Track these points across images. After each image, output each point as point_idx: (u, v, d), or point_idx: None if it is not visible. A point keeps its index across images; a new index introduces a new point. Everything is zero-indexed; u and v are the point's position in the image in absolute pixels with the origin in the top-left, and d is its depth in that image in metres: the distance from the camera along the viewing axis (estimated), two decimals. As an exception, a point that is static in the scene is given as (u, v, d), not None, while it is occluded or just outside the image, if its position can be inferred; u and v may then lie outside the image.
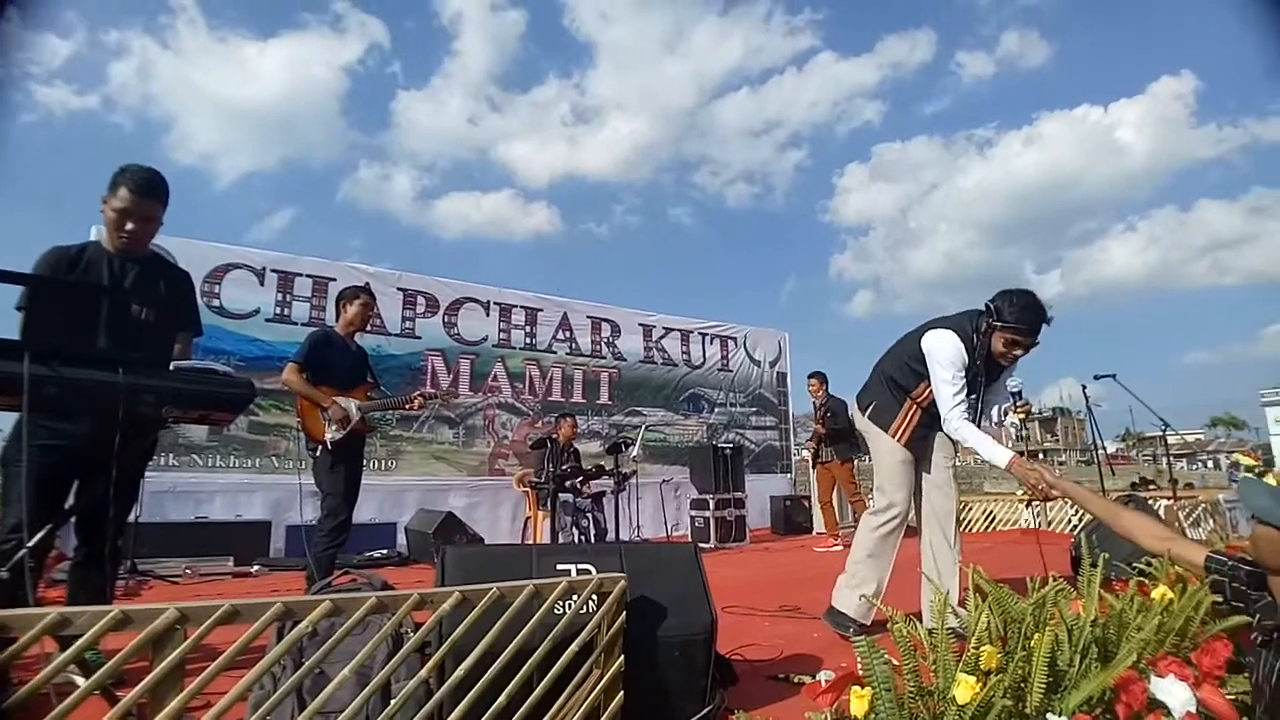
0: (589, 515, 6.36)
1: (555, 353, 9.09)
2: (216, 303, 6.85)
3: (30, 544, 1.78)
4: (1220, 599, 1.66)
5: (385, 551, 6.49)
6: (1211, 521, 6.12)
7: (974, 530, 8.65)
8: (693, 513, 7.96)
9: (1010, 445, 2.91)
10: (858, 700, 1.34)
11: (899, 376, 3.11)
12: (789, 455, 11.18)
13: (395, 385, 7.09)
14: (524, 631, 1.47)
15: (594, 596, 1.65)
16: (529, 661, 1.47)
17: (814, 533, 8.44)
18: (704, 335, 10.59)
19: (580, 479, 6.37)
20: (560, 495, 6.06)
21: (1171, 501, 6.46)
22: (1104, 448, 7.29)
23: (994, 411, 3.10)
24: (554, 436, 6.59)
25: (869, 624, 2.96)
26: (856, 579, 3.05)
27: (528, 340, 8.89)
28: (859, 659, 1.45)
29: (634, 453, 6.75)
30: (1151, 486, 11.76)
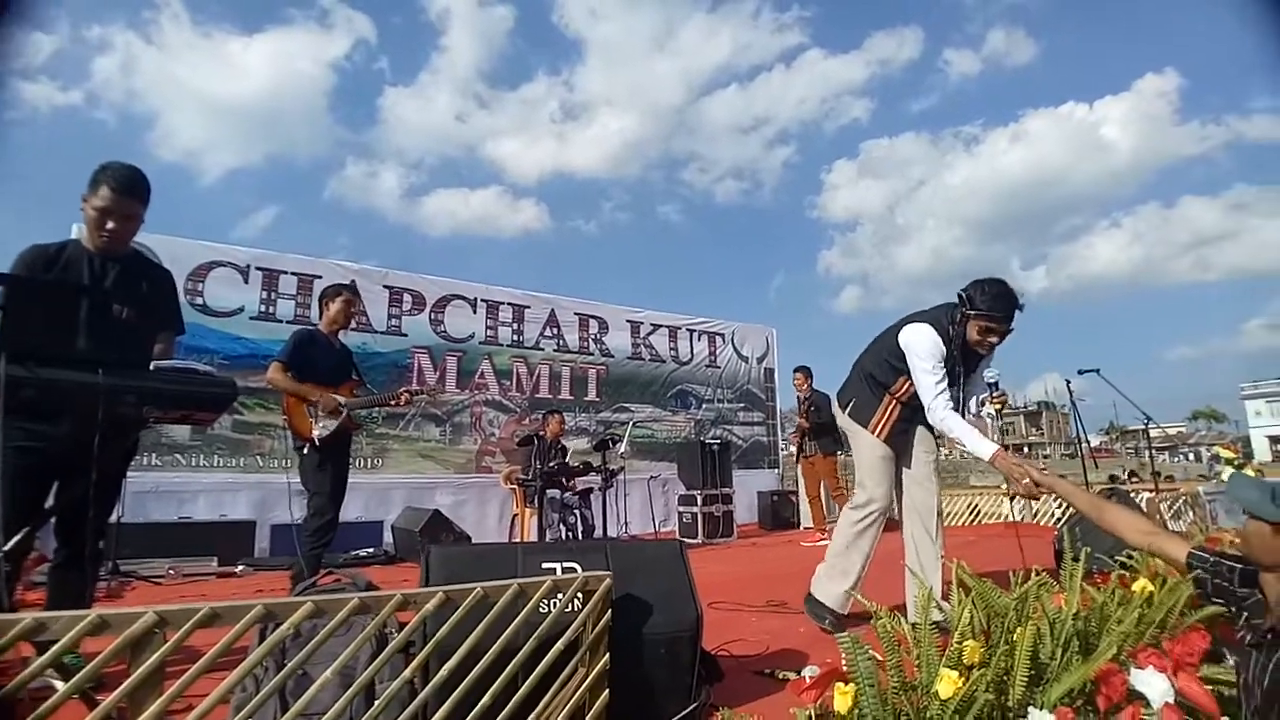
0: (576, 512, 6.35)
1: (543, 349, 9.07)
2: (200, 301, 6.78)
3: (6, 547, 1.76)
4: (1202, 595, 1.65)
5: (372, 550, 6.46)
6: (1192, 513, 6.20)
7: (958, 524, 8.71)
8: (680, 508, 7.98)
9: (993, 438, 2.94)
10: (841, 696, 1.35)
11: (878, 373, 3.14)
12: (776, 450, 11.22)
13: (381, 383, 7.05)
14: (508, 631, 1.47)
15: (579, 595, 1.65)
16: (514, 661, 1.47)
17: (801, 527, 8.49)
18: (692, 331, 10.61)
19: (567, 476, 6.37)
20: (548, 492, 6.05)
21: (1153, 494, 6.55)
22: (1087, 441, 7.37)
23: (972, 403, 3.13)
24: (541, 433, 6.58)
25: (845, 614, 3.02)
26: (835, 570, 3.10)
27: (515, 337, 8.87)
28: (843, 655, 1.46)
29: (622, 449, 6.76)
30: (1134, 480, 11.88)
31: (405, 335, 8.02)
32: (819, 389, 7.34)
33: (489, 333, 8.66)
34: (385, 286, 7.98)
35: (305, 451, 3.58)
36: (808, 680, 1.46)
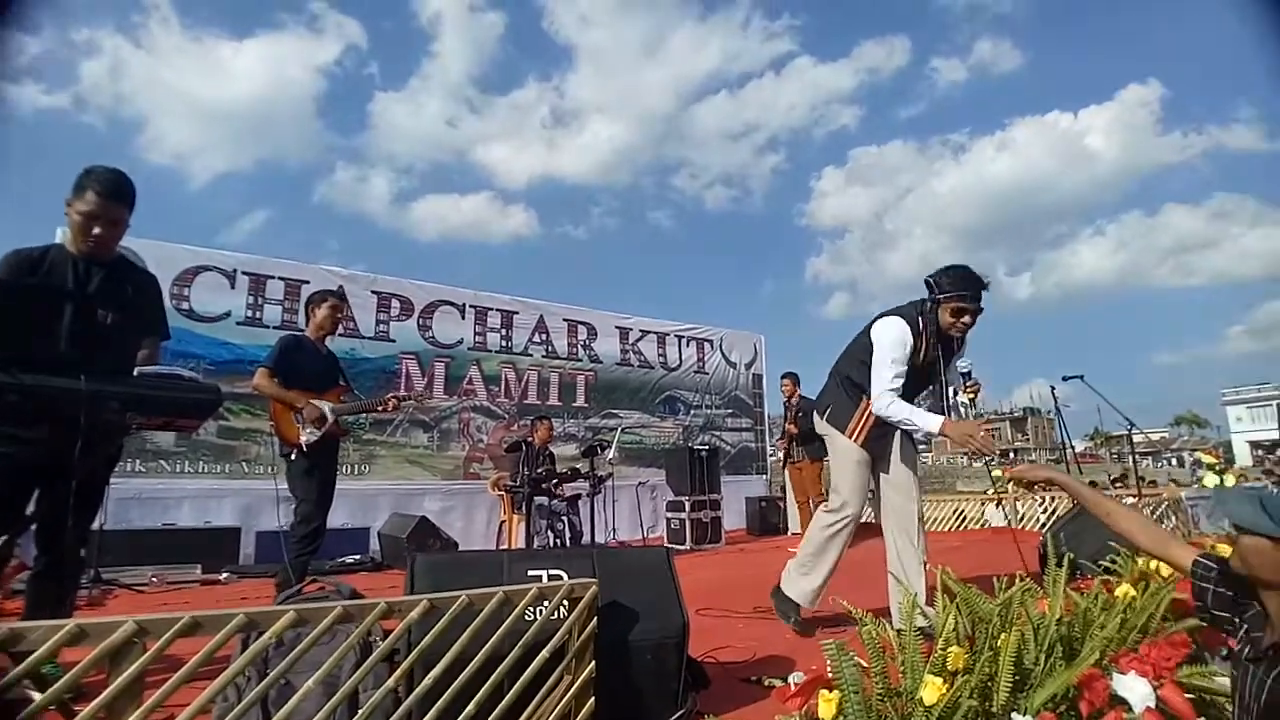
0: (564, 519, 6.33)
1: (531, 355, 9.04)
2: (186, 305, 6.72)
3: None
4: (1200, 606, 1.55)
5: (358, 557, 6.41)
6: (1174, 518, 6.25)
7: (944, 529, 8.75)
8: (669, 515, 7.96)
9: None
10: (825, 703, 1.36)
11: (854, 375, 3.17)
12: (764, 457, 11.23)
13: (369, 389, 7.00)
14: (494, 639, 1.46)
15: (565, 602, 1.64)
16: (499, 669, 1.46)
17: (789, 533, 8.49)
18: (680, 338, 10.61)
19: (556, 482, 6.35)
20: (535, 499, 6.02)
21: (1136, 499, 6.60)
22: (1072, 446, 7.43)
23: (950, 391, 3.16)
24: (529, 440, 6.56)
25: (812, 610, 3.15)
26: (805, 568, 3.19)
27: (503, 343, 8.83)
28: (828, 661, 1.46)
29: (610, 455, 6.74)
30: (1118, 485, 11.98)
31: (393, 341, 7.97)
32: (807, 395, 7.37)
33: (477, 338, 8.62)
34: (373, 292, 7.93)
35: (292, 458, 3.55)
36: (793, 687, 1.46)
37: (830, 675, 1.45)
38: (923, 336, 2.98)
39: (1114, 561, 2.75)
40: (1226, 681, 1.66)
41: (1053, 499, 7.94)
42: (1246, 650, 1.27)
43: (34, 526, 2.24)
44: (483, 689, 1.43)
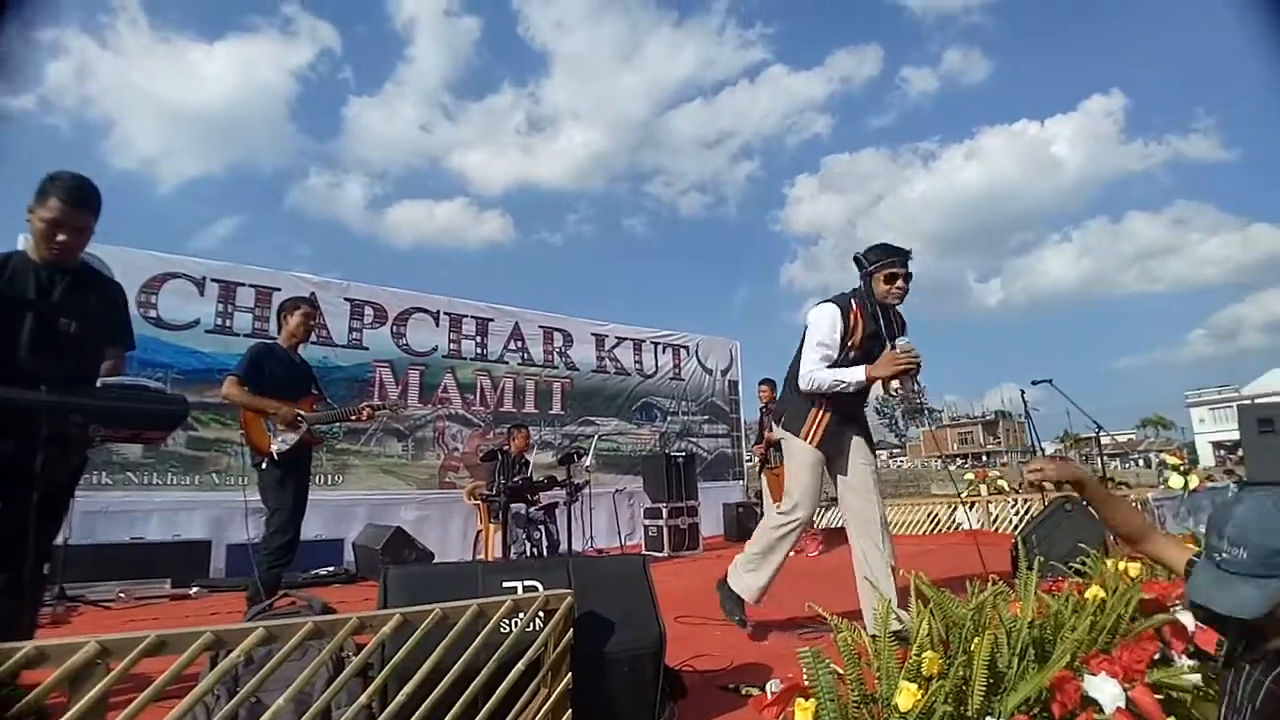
0: (541, 527, 6.29)
1: (507, 363, 8.99)
2: (153, 314, 6.60)
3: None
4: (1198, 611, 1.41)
5: (332, 569, 6.31)
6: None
7: (916, 532, 8.83)
8: (646, 521, 7.96)
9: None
10: (802, 712, 1.36)
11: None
12: (741, 462, 11.27)
13: (342, 397, 6.92)
14: (468, 652, 1.45)
15: (540, 614, 1.63)
16: (474, 683, 1.45)
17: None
18: (656, 344, 10.62)
19: (532, 491, 6.31)
20: (512, 507, 5.98)
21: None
22: (1042, 449, 7.55)
23: None
24: (506, 448, 6.51)
25: (754, 605, 3.29)
26: (751, 566, 3.28)
27: (479, 350, 8.78)
28: (804, 669, 1.47)
29: (587, 462, 6.72)
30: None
31: (367, 349, 7.89)
32: (783, 401, 7.40)
33: (452, 346, 8.56)
34: (346, 299, 7.85)
35: (264, 467, 3.48)
36: (770, 696, 1.46)
37: (806, 683, 1.46)
38: (856, 315, 3.09)
39: (1084, 563, 2.81)
40: (1195, 679, 1.69)
41: (1025, 500, 8.05)
42: (1241, 650, 1.21)
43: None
44: (458, 704, 1.41)
